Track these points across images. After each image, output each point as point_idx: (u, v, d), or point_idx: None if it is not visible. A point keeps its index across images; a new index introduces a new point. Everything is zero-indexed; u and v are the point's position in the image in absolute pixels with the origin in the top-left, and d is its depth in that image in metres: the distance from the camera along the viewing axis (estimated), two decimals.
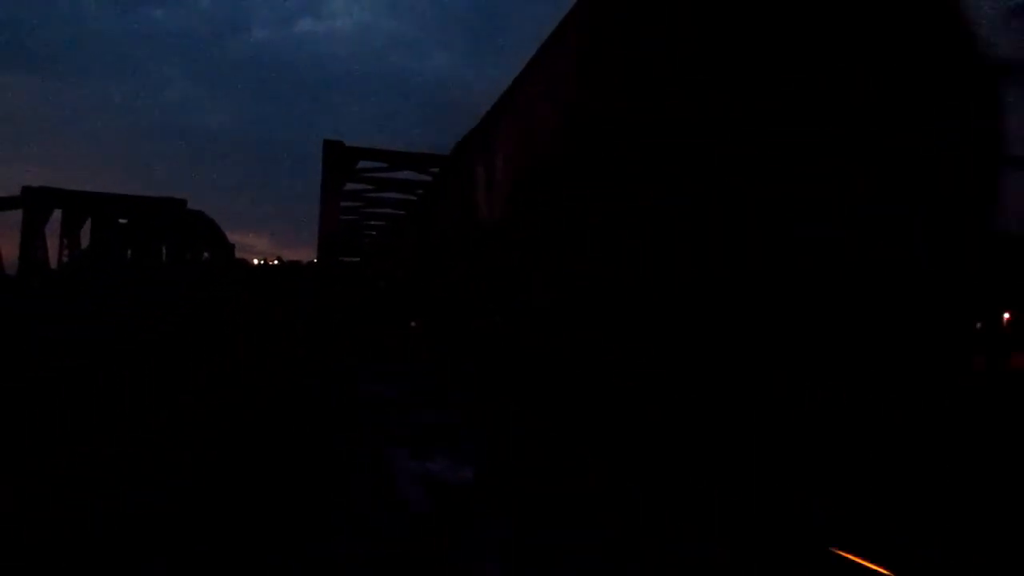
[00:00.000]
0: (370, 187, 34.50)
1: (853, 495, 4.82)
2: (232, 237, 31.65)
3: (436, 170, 29.18)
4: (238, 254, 37.30)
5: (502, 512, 5.20)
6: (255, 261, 41.11)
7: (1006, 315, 5.21)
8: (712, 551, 4.46)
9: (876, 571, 3.92)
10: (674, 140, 5.30)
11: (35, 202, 39.05)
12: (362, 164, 32.22)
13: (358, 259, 41.57)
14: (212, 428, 7.34)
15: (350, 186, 33.67)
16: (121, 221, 37.90)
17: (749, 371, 5.36)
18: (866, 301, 5.11)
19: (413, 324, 18.61)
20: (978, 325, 5.18)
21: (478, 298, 10.25)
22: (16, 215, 38.94)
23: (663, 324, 5.61)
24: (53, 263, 38.67)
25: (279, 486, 5.70)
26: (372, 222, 40.57)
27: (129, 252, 33.92)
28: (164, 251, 34.29)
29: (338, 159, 31.24)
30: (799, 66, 4.82)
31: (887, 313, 5.05)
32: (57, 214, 39.92)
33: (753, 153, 5.09)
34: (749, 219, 5.26)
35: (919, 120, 4.86)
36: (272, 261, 44.18)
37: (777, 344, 5.30)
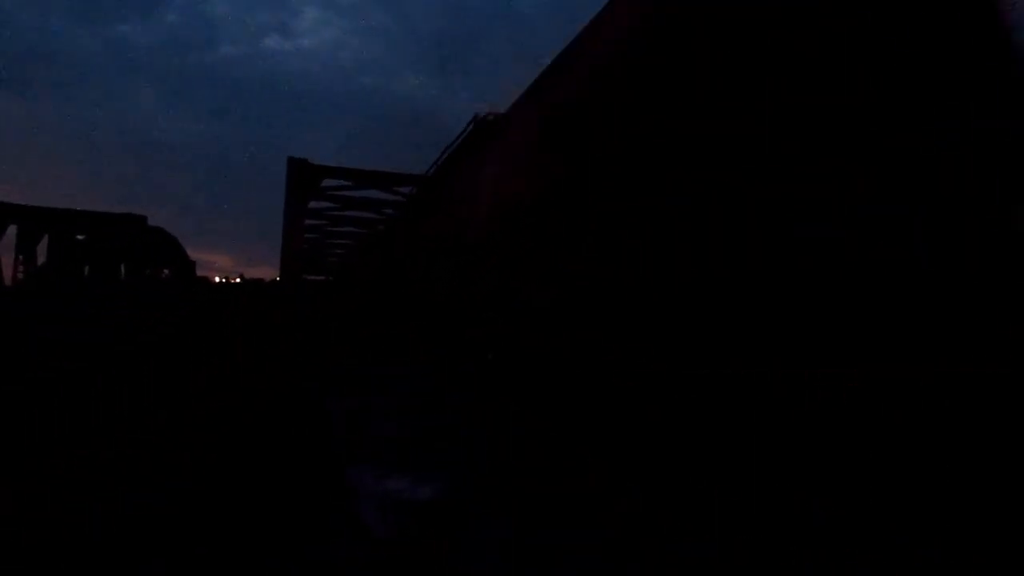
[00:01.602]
0: (335, 205, 34.40)
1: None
2: (193, 254, 31.26)
3: (407, 188, 29.24)
4: (199, 271, 36.83)
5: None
6: (217, 279, 40.66)
7: None
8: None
9: None
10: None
11: None
12: (327, 182, 32.12)
13: (323, 277, 41.35)
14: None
15: (314, 204, 33.54)
16: (79, 237, 37.24)
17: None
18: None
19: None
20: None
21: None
22: None
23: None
24: (8, 280, 37.84)
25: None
26: (337, 240, 40.41)
27: (87, 269, 33.29)
28: (123, 268, 33.72)
29: (303, 177, 31.14)
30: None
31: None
32: (12, 230, 39.13)
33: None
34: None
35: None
36: (234, 279, 43.68)
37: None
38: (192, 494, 5.29)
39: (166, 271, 35.53)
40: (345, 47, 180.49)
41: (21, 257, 39.10)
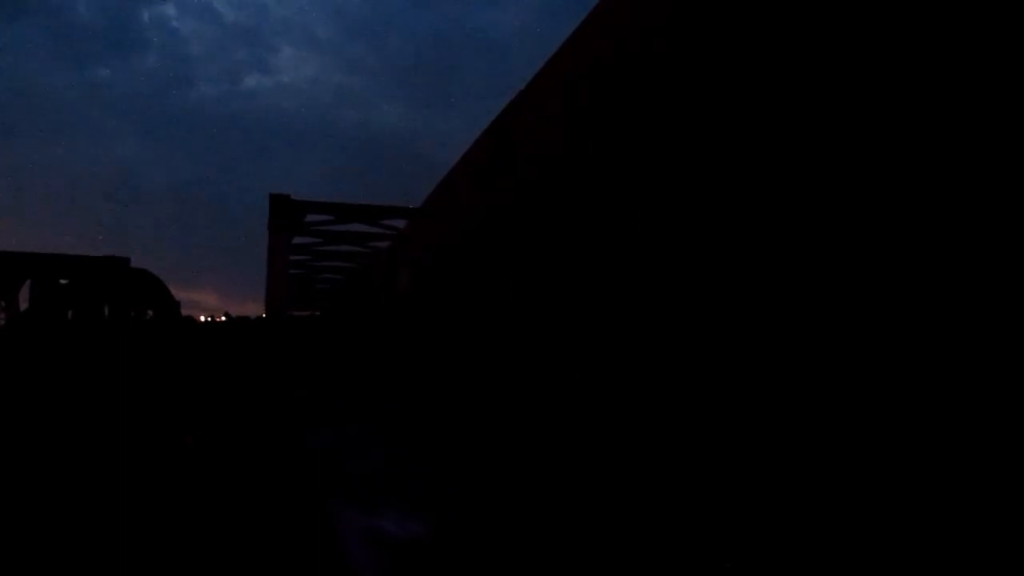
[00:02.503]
0: (319, 240, 34.29)
1: None
2: (178, 294, 30.91)
3: (392, 220, 29.20)
4: (185, 310, 36.54)
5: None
6: (202, 318, 40.34)
7: None
8: None
9: None
10: None
11: None
12: (311, 217, 32.03)
13: (309, 312, 41.12)
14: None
15: (299, 240, 33.43)
16: (62, 281, 36.91)
17: None
18: None
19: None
20: None
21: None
22: None
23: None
24: None
25: (260, 523, 5.46)
26: (323, 275, 40.29)
27: (70, 313, 33.02)
28: (107, 311, 33.46)
29: (285, 213, 31.05)
30: None
31: None
32: None
33: None
34: None
35: None
36: (219, 317, 43.36)
37: None
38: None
39: (150, 312, 35.18)
40: (324, 82, 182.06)
41: (2, 303, 38.75)
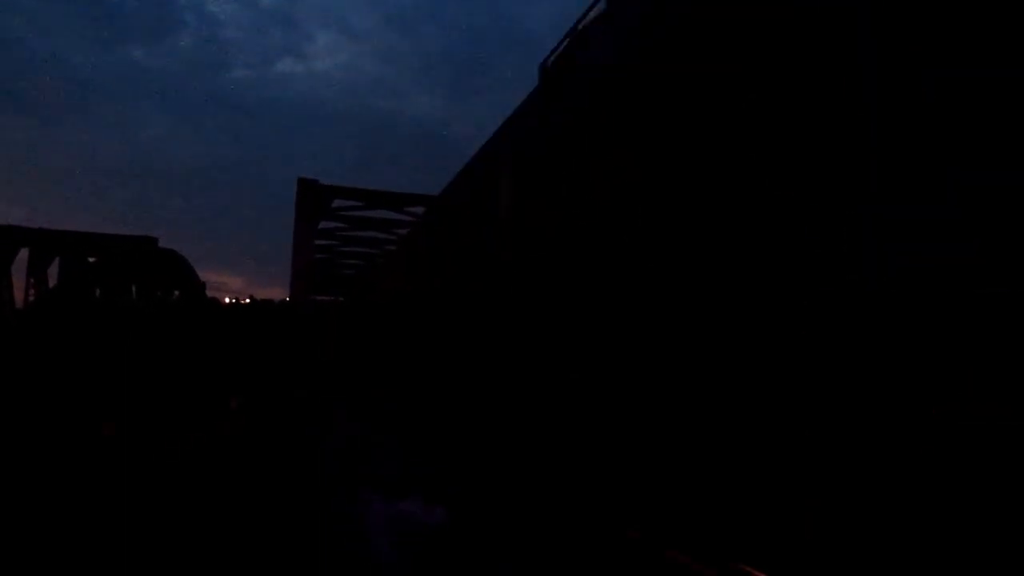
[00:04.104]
0: (345, 225, 34.33)
1: None
2: (204, 276, 31.18)
3: (417, 208, 29.19)
4: (210, 292, 36.70)
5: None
6: (227, 300, 40.58)
7: None
8: None
9: None
10: None
11: (1, 240, 38.28)
12: (337, 203, 32.08)
13: (332, 297, 41.15)
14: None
15: (325, 224, 33.50)
16: (90, 260, 37.22)
17: None
18: None
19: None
20: None
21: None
22: None
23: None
24: (20, 303, 37.86)
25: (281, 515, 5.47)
26: (347, 260, 40.37)
27: (98, 291, 33.30)
28: (134, 290, 33.70)
29: (312, 197, 31.11)
30: None
31: None
32: (24, 253, 39.17)
33: None
34: None
35: None
36: (244, 300, 43.64)
37: None
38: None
39: (176, 292, 35.42)
40: (358, 70, 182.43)
41: (32, 280, 39.13)
